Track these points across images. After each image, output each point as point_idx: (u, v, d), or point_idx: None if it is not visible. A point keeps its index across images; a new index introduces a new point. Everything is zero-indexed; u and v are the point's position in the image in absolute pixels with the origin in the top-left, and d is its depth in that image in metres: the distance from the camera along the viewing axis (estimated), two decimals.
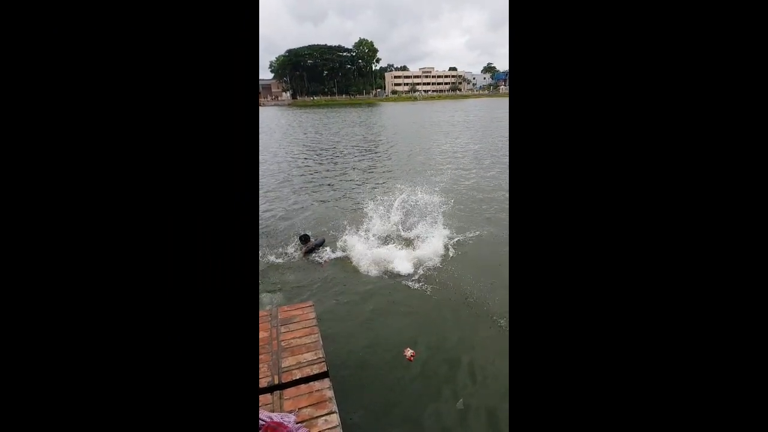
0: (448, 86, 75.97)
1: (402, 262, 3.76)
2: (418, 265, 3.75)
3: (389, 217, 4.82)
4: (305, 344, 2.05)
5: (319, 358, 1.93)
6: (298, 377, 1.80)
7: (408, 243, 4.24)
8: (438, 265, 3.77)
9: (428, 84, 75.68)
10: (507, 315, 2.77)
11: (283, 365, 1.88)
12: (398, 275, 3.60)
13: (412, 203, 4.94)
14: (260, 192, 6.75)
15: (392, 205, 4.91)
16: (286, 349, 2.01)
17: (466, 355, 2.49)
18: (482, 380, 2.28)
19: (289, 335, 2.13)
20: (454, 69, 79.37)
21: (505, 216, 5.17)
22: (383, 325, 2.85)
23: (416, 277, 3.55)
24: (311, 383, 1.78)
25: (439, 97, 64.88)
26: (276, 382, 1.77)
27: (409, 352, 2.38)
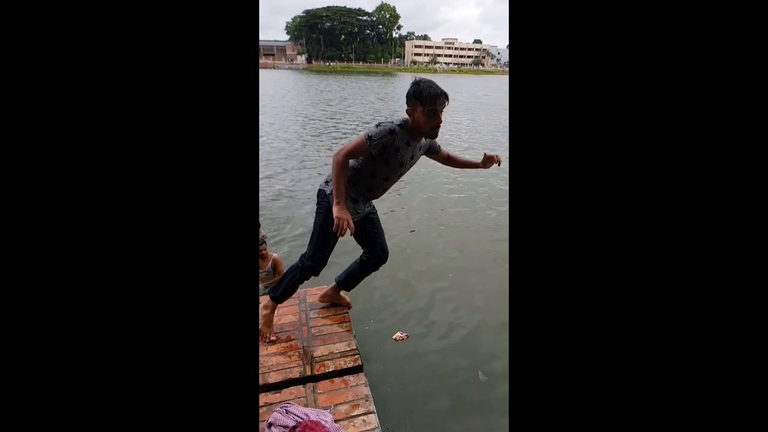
0: (471, 60, 72.88)
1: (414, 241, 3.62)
2: (427, 242, 3.60)
3: (404, 199, 4.63)
4: (336, 333, 1.94)
5: (353, 349, 1.82)
6: (331, 369, 1.70)
7: (430, 224, 4.09)
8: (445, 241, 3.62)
9: (450, 56, 72.71)
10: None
11: (314, 355, 1.79)
12: (419, 254, 3.46)
13: (438, 187, 4.73)
14: (277, 168, 6.55)
15: (411, 189, 4.71)
16: (317, 337, 1.90)
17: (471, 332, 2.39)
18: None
19: (319, 321, 2.03)
20: (478, 42, 75.82)
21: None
22: (408, 303, 2.74)
23: (428, 251, 3.41)
24: (345, 377, 1.68)
25: (461, 71, 62.40)
26: (309, 373, 1.68)
27: (398, 335, 2.30)
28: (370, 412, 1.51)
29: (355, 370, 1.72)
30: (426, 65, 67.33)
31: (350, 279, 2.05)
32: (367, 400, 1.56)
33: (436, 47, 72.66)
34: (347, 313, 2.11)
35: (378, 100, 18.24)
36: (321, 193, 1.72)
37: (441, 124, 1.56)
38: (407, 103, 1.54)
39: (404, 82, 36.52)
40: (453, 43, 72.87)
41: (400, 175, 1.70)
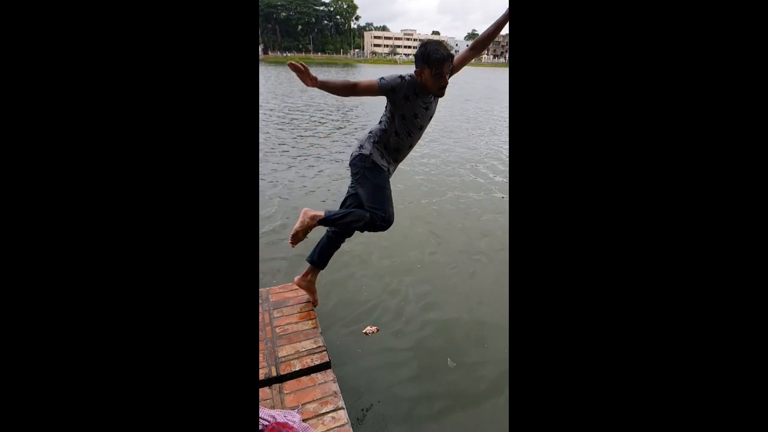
0: None
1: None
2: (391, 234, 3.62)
3: None
4: (302, 331, 1.89)
5: (320, 346, 1.78)
6: (298, 368, 1.65)
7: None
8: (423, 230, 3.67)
9: (410, 47, 72.83)
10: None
11: (280, 355, 1.72)
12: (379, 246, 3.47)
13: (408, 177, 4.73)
14: None
15: None
16: (282, 337, 1.84)
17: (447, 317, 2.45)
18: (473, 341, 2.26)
19: (284, 320, 1.96)
20: (437, 33, 76.59)
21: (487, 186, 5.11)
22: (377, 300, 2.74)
23: (402, 245, 3.44)
24: (313, 375, 1.64)
25: None
26: (274, 374, 1.62)
27: (369, 328, 2.33)
28: (340, 408, 1.49)
29: (323, 367, 1.69)
30: (386, 56, 67.02)
31: (323, 254, 2.06)
32: (335, 397, 1.54)
33: (396, 38, 72.46)
34: (312, 310, 2.06)
35: None
36: (360, 158, 1.78)
37: (447, 85, 1.68)
38: (416, 64, 1.66)
39: (366, 73, 35.95)
40: (412, 35, 72.99)
41: (420, 128, 1.79)
